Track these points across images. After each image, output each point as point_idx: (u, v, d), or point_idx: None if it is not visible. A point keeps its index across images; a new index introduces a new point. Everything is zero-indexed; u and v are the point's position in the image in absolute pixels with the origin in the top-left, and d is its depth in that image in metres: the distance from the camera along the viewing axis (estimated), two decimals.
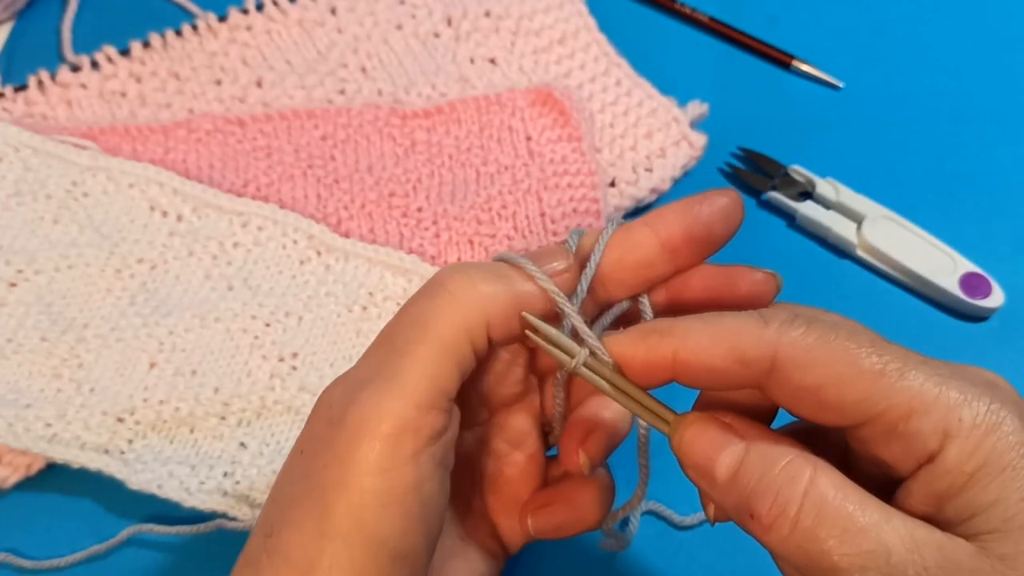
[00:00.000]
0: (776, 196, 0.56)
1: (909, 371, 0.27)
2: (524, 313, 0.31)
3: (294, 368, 0.48)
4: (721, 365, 0.28)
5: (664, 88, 0.58)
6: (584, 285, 0.32)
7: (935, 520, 0.27)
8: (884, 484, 0.29)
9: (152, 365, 0.48)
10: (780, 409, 0.31)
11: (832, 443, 0.32)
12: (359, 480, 0.28)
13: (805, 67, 0.61)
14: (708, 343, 0.29)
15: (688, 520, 0.47)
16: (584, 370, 0.31)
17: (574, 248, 0.33)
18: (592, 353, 0.31)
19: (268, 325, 0.49)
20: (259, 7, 0.61)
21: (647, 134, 0.57)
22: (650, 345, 0.29)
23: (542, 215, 0.53)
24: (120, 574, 0.46)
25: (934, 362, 0.27)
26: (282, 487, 0.31)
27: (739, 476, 0.28)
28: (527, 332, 0.32)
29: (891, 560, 0.25)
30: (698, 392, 0.33)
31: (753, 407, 0.32)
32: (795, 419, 0.30)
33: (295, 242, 0.51)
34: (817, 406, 0.28)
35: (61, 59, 0.61)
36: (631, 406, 0.31)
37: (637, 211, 0.56)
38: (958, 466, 0.26)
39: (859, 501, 0.26)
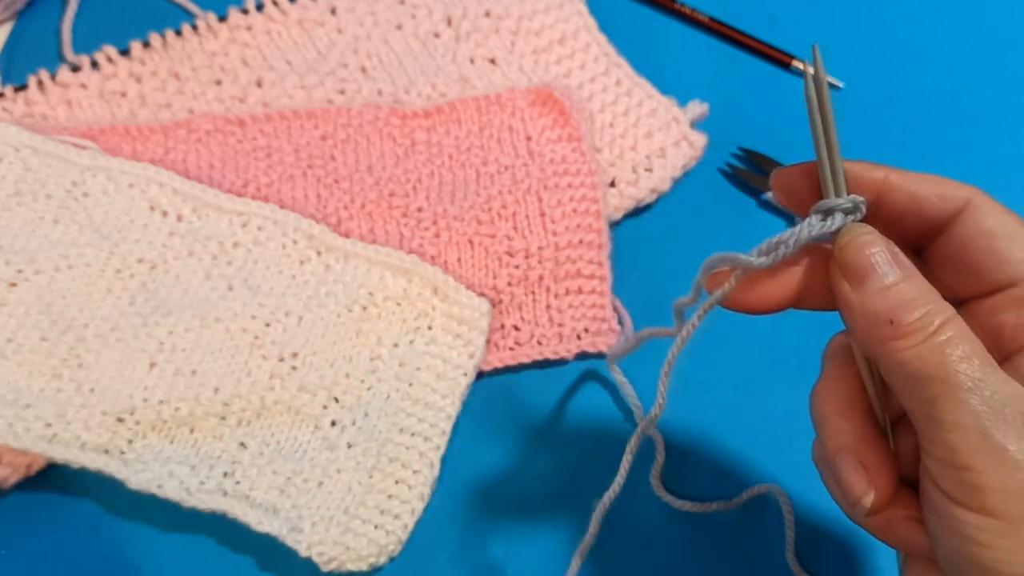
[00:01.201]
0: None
1: None
2: None
3: (294, 368, 0.48)
4: (923, 193, 0.33)
5: (664, 88, 0.58)
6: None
7: None
8: None
9: (152, 365, 0.48)
10: None
11: None
12: None
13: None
14: (917, 176, 0.34)
15: (688, 507, 0.48)
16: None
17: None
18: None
19: (268, 325, 0.49)
20: (259, 7, 0.61)
21: (647, 134, 0.57)
22: (864, 166, 0.34)
23: (542, 215, 0.53)
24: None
25: None
26: None
27: (893, 290, 0.30)
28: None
29: (995, 394, 0.28)
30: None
31: None
32: None
33: (295, 242, 0.51)
34: (982, 252, 0.32)
35: (61, 59, 0.61)
36: (821, 157, 0.33)
37: (637, 211, 0.56)
38: None
39: (981, 349, 0.29)
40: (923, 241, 0.34)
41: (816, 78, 0.34)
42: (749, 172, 0.57)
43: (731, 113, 0.59)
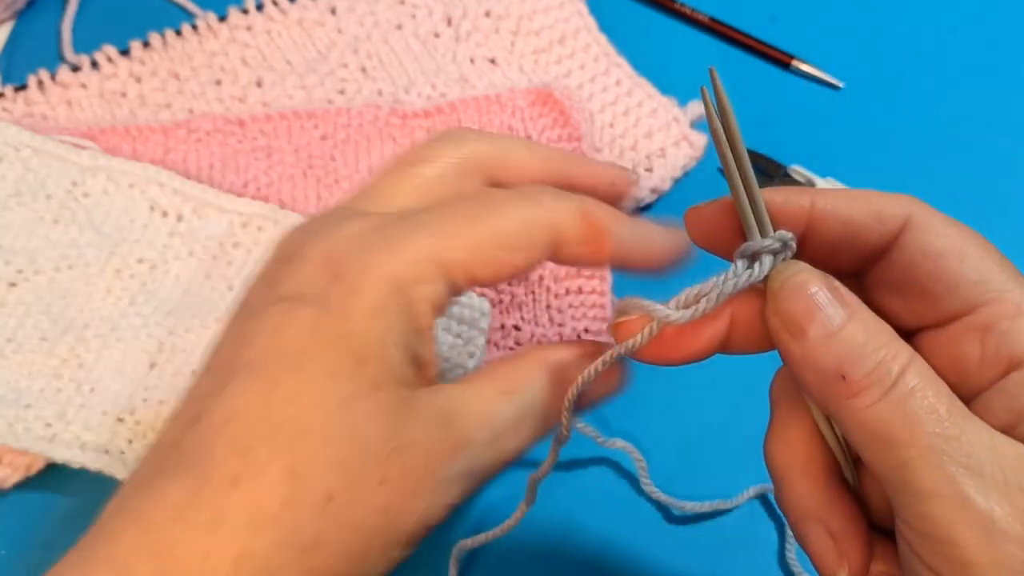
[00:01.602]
0: None
1: None
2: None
3: None
4: (857, 217, 0.29)
5: (664, 88, 0.58)
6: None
7: (1009, 434, 0.26)
8: None
9: (152, 365, 0.48)
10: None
11: None
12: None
13: (805, 67, 0.61)
14: (847, 197, 0.29)
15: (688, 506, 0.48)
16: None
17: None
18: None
19: None
20: (259, 7, 0.61)
21: (647, 134, 0.57)
22: (787, 195, 0.30)
23: None
24: None
25: None
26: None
27: (840, 337, 0.27)
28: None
29: (971, 453, 0.25)
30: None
31: None
32: None
33: None
34: (931, 277, 0.28)
35: (61, 59, 0.61)
36: (735, 191, 0.30)
37: (637, 211, 0.56)
38: None
39: (948, 395, 0.26)
40: (862, 268, 0.30)
41: (718, 104, 0.30)
42: None
43: None
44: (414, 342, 0.29)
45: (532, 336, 0.52)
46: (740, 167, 0.29)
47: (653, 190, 0.56)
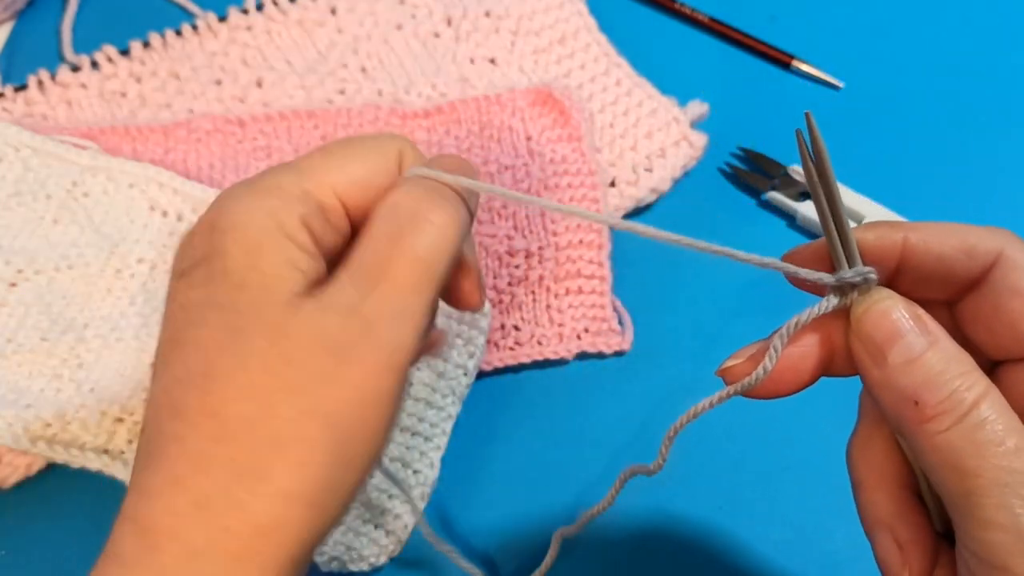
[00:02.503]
0: (776, 196, 0.56)
1: None
2: None
3: None
4: (949, 253, 0.29)
5: (664, 88, 0.58)
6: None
7: None
8: None
9: (152, 365, 0.48)
10: None
11: None
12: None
13: (805, 67, 0.61)
14: (938, 231, 0.30)
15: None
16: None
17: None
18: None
19: None
20: (259, 7, 0.61)
21: (647, 134, 0.57)
22: (880, 231, 0.30)
23: (542, 215, 0.53)
24: None
25: None
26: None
27: (918, 364, 0.28)
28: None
29: None
30: None
31: None
32: None
33: None
34: (1017, 315, 0.29)
35: (61, 59, 0.61)
36: (827, 226, 0.30)
37: (637, 211, 0.56)
38: None
39: (1019, 429, 0.27)
40: (952, 297, 0.31)
41: (814, 148, 0.30)
42: (749, 172, 0.57)
43: (731, 113, 0.59)
44: (299, 257, 0.30)
45: (532, 336, 0.52)
46: (833, 209, 0.30)
47: (653, 190, 0.56)
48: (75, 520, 0.47)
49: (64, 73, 0.58)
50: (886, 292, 0.30)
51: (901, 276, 0.30)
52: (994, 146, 0.58)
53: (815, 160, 0.30)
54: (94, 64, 0.58)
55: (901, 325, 0.28)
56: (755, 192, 0.57)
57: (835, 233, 0.30)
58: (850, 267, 0.30)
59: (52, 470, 0.47)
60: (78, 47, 0.62)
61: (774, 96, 0.61)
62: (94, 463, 0.45)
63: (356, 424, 0.29)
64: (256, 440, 0.28)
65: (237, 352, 0.29)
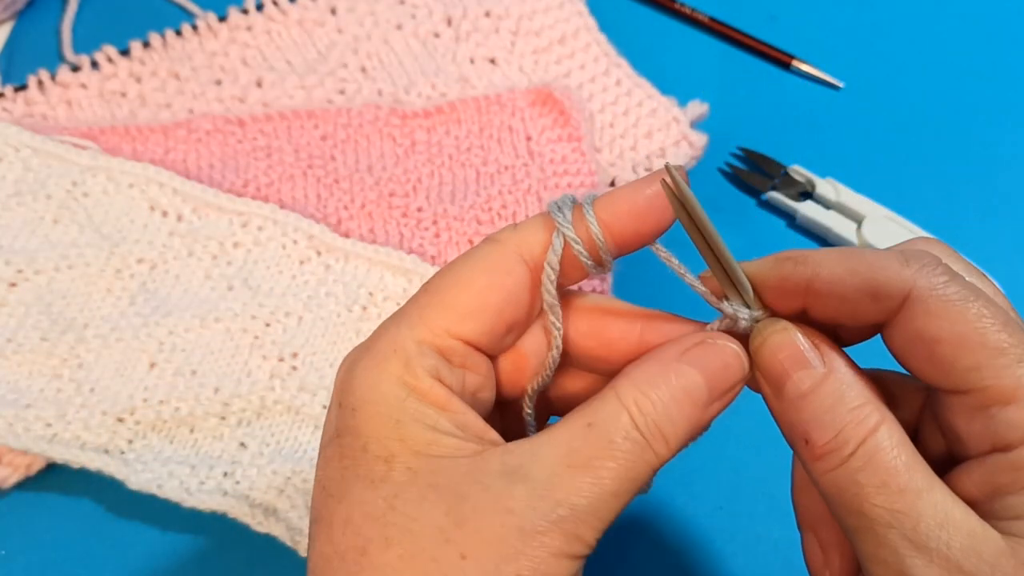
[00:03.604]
0: (776, 196, 0.56)
1: None
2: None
3: (294, 368, 0.48)
4: (853, 296, 0.28)
5: (664, 88, 0.58)
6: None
7: (980, 507, 0.27)
8: (944, 459, 0.29)
9: (152, 365, 0.48)
10: None
11: (907, 404, 0.32)
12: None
13: (805, 67, 0.61)
14: (844, 273, 0.28)
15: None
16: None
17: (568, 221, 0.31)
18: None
19: (268, 325, 0.49)
20: (259, 7, 0.61)
21: (647, 134, 0.57)
22: (784, 271, 0.29)
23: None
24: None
25: None
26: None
27: (809, 399, 0.28)
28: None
29: (917, 527, 0.26)
30: None
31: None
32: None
33: (295, 242, 0.51)
34: (927, 359, 0.27)
35: (61, 59, 0.61)
36: (713, 267, 0.30)
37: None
38: None
39: (910, 463, 0.27)
40: (870, 329, 0.30)
41: (680, 193, 0.29)
42: (749, 172, 0.57)
43: (731, 113, 0.59)
44: (434, 417, 0.28)
45: None
46: (713, 247, 0.29)
47: None
48: (75, 520, 0.47)
49: (64, 73, 0.58)
50: (781, 323, 0.29)
51: (811, 311, 0.29)
52: (994, 146, 0.58)
53: (686, 207, 0.29)
54: (94, 64, 0.58)
55: (796, 358, 0.28)
56: (755, 192, 0.57)
57: (721, 272, 0.30)
58: (741, 298, 0.30)
59: (52, 470, 0.47)
60: (78, 47, 0.62)
61: (774, 96, 0.61)
62: (94, 463, 0.45)
63: None
64: None
65: (396, 522, 0.27)
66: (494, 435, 0.30)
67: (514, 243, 0.31)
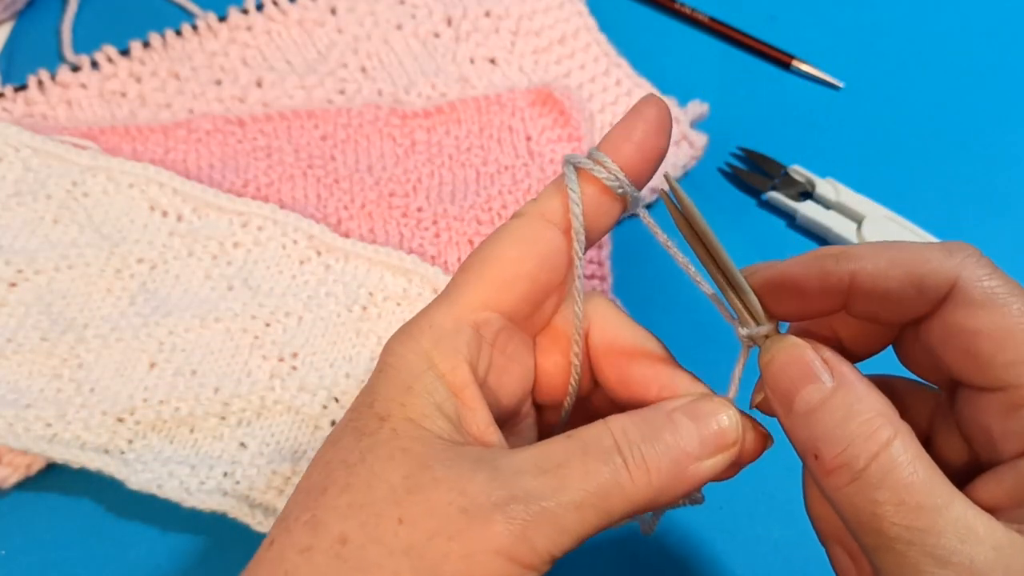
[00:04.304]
0: (776, 196, 0.56)
1: None
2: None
3: (294, 368, 0.48)
4: (897, 288, 0.27)
5: (664, 88, 0.58)
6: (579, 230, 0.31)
7: (1010, 513, 0.26)
8: (962, 467, 0.29)
9: (152, 365, 0.48)
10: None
11: (918, 410, 0.31)
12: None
13: (805, 67, 0.61)
14: (887, 265, 0.27)
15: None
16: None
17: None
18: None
19: (268, 325, 0.49)
20: (259, 7, 0.61)
21: None
22: (825, 267, 0.28)
23: None
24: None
25: None
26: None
27: (818, 414, 0.27)
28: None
29: (939, 543, 0.25)
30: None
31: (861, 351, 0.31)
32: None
33: (295, 242, 0.51)
34: (965, 353, 0.27)
35: (61, 59, 0.61)
36: (717, 278, 0.30)
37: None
38: None
39: (928, 477, 0.26)
40: (911, 323, 0.30)
41: (682, 207, 0.29)
42: (749, 172, 0.57)
43: (731, 113, 0.59)
44: (443, 396, 0.29)
45: None
46: (720, 263, 0.29)
47: (653, 190, 0.56)
48: (75, 520, 0.47)
49: (64, 73, 0.58)
50: (789, 340, 0.29)
51: (852, 308, 0.29)
52: (994, 146, 0.58)
53: (688, 219, 0.29)
54: (94, 64, 0.58)
55: (805, 373, 0.28)
56: (755, 192, 0.57)
57: (729, 289, 0.29)
58: (751, 315, 0.29)
59: (52, 470, 0.47)
60: (78, 47, 0.62)
61: (774, 96, 0.61)
62: (94, 463, 0.45)
63: None
64: (338, 561, 0.26)
65: (360, 473, 0.27)
66: (494, 438, 0.30)
67: (537, 210, 0.31)
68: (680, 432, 0.28)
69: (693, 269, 0.30)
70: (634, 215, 0.32)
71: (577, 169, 0.31)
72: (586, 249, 0.31)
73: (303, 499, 0.28)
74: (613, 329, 0.33)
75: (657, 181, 0.55)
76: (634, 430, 0.28)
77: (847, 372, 0.28)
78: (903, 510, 0.25)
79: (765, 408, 0.31)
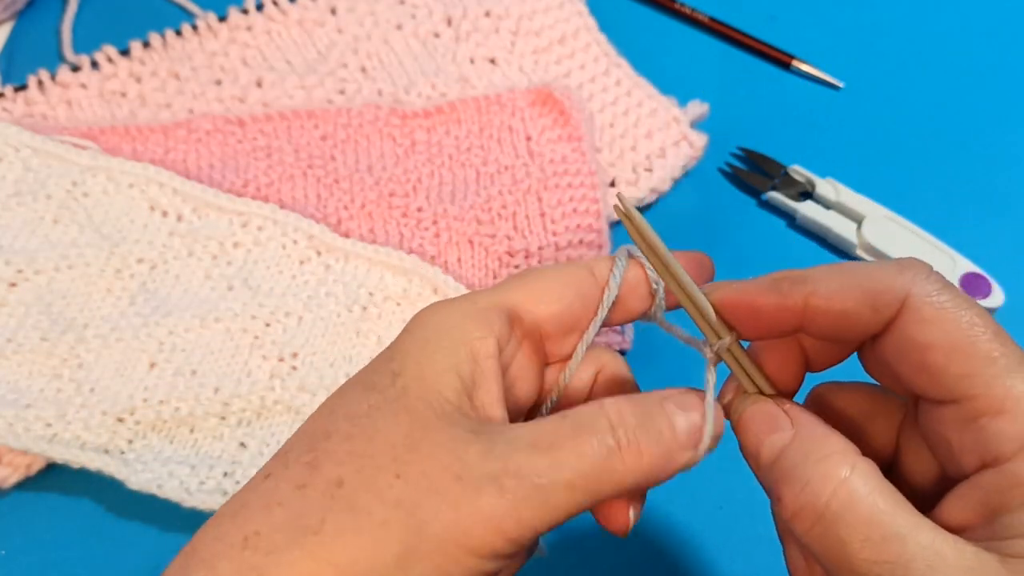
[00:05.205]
0: (776, 196, 0.56)
1: (1021, 372, 0.26)
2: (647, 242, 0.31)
3: (294, 368, 0.48)
4: (853, 309, 0.28)
5: (664, 88, 0.58)
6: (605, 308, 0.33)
7: (979, 531, 0.26)
8: (931, 481, 0.29)
9: (152, 365, 0.48)
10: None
11: (886, 418, 0.32)
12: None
13: (805, 67, 0.61)
14: (840, 287, 0.28)
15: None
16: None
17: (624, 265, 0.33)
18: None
19: (268, 325, 0.49)
20: (259, 7, 0.61)
21: (647, 134, 0.57)
22: (782, 291, 0.29)
23: (542, 215, 0.53)
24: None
25: None
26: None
27: (779, 460, 0.28)
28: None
29: (908, 573, 0.25)
30: None
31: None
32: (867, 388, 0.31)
33: (295, 242, 0.51)
34: (918, 366, 0.27)
35: (61, 59, 0.61)
36: (677, 292, 0.31)
37: (637, 211, 0.56)
38: None
39: (890, 508, 0.26)
40: (864, 342, 0.30)
41: (635, 225, 0.31)
42: (749, 172, 0.57)
43: (731, 113, 0.59)
44: (463, 359, 0.30)
45: None
46: (678, 281, 0.31)
47: (653, 190, 0.56)
48: (75, 520, 0.47)
49: (64, 73, 0.58)
50: (752, 399, 0.30)
51: (809, 329, 0.30)
52: (994, 146, 0.58)
53: (641, 235, 0.31)
54: (94, 64, 0.58)
55: (768, 424, 0.29)
56: (755, 192, 0.57)
57: (692, 307, 0.31)
58: (712, 330, 0.31)
59: (52, 470, 0.47)
60: (78, 47, 0.62)
61: (774, 96, 0.61)
62: (94, 463, 0.45)
63: (436, 555, 0.27)
64: (331, 501, 0.27)
65: (364, 425, 0.29)
66: (499, 415, 0.31)
67: (587, 264, 0.33)
68: (673, 420, 0.29)
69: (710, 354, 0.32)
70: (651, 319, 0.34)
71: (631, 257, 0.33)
72: (607, 322, 0.33)
73: (306, 441, 0.29)
74: (620, 383, 0.35)
75: (657, 181, 0.55)
76: (630, 414, 0.29)
77: (805, 419, 0.29)
78: (869, 544, 0.25)
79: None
